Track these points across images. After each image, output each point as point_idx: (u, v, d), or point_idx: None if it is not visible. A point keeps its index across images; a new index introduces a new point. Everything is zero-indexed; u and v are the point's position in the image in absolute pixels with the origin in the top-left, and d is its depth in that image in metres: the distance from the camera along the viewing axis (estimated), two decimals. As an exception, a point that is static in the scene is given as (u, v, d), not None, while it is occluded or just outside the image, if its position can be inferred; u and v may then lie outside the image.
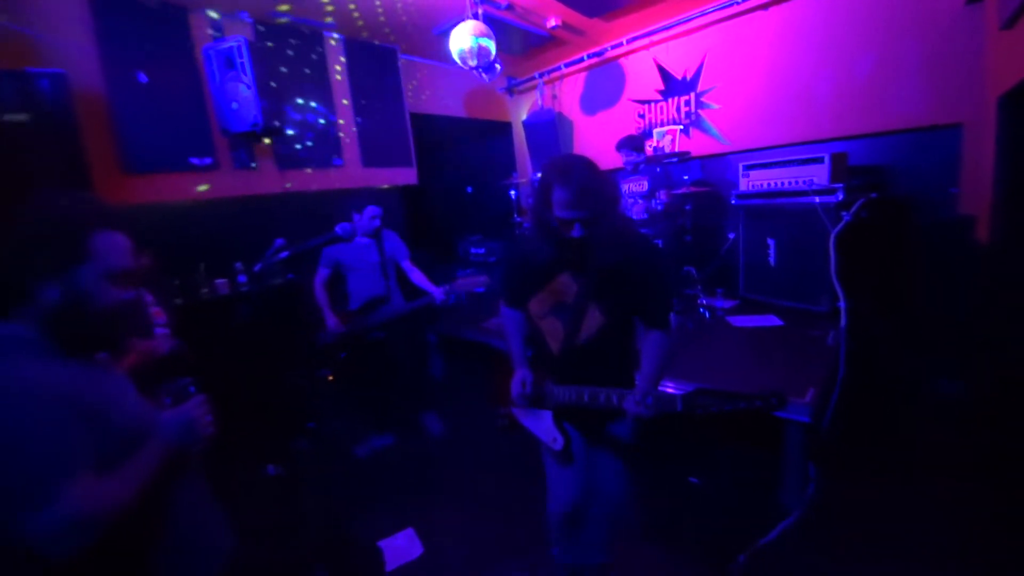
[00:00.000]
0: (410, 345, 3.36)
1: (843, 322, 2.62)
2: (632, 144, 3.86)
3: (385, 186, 4.42)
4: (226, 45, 3.02)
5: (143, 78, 3.02)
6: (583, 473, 1.65)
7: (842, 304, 2.66)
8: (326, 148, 3.99)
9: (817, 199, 3.06)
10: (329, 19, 3.73)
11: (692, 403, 1.30)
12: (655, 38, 4.45)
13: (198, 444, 1.09)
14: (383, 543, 2.32)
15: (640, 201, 3.81)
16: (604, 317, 1.47)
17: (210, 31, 3.32)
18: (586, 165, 1.36)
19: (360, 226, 3.05)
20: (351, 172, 4.18)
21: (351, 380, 3.20)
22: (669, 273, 2.30)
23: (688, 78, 4.44)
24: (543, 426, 1.60)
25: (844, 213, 2.90)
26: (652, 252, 1.55)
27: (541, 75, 5.32)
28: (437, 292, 2.99)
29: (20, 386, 0.84)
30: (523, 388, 1.55)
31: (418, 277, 3.21)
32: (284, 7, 3.45)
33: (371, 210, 3.05)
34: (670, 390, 2.38)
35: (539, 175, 1.44)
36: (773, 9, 3.81)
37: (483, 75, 3.73)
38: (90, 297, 0.93)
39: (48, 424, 0.84)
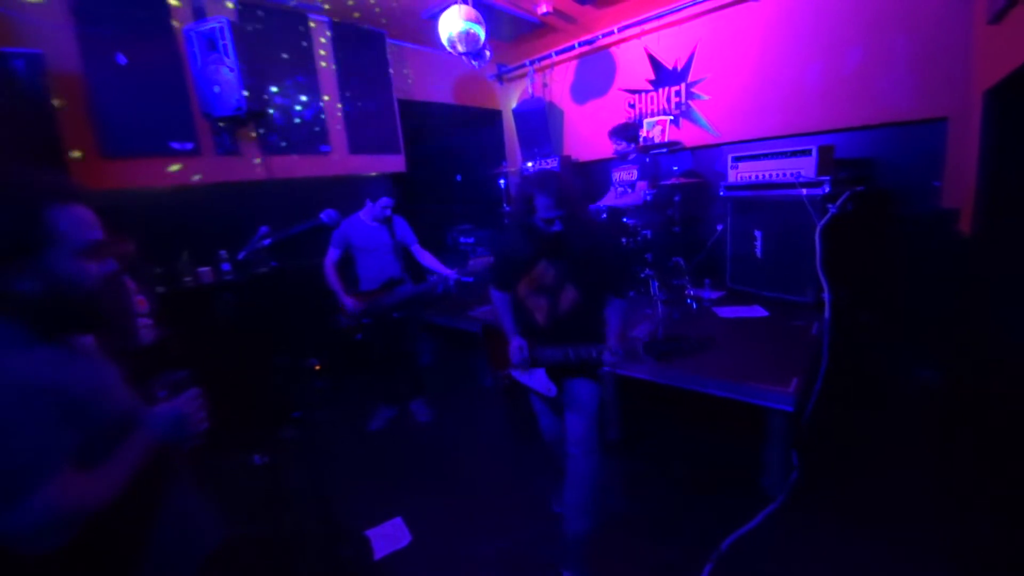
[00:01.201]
0: (414, 327, 3.40)
1: (827, 313, 2.65)
2: (625, 133, 3.84)
3: (373, 173, 4.36)
4: (208, 26, 2.94)
5: (122, 60, 2.92)
6: (564, 412, 2.03)
7: (827, 295, 2.69)
8: (312, 134, 3.92)
9: (804, 191, 3.08)
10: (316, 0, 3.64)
11: (650, 349, 1.74)
12: (646, 27, 4.42)
13: (190, 440, 1.07)
14: (371, 532, 2.33)
15: (629, 190, 3.80)
16: (577, 293, 1.85)
17: (191, 11, 3.22)
18: (559, 175, 1.77)
19: (372, 213, 3.15)
20: (338, 159, 4.12)
21: (361, 361, 3.26)
22: (625, 254, 2.83)
23: (679, 68, 4.42)
24: (539, 380, 1.97)
25: (830, 205, 2.92)
26: (612, 239, 2.16)
27: (531, 63, 5.26)
28: (451, 273, 3.08)
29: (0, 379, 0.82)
30: (521, 352, 1.92)
31: (429, 260, 3.27)
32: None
33: (385, 200, 3.12)
34: (656, 380, 2.41)
35: (519, 188, 1.85)
36: (764, 1, 3.80)
37: (472, 61, 3.68)
38: (69, 279, 0.89)
39: (28, 418, 0.81)
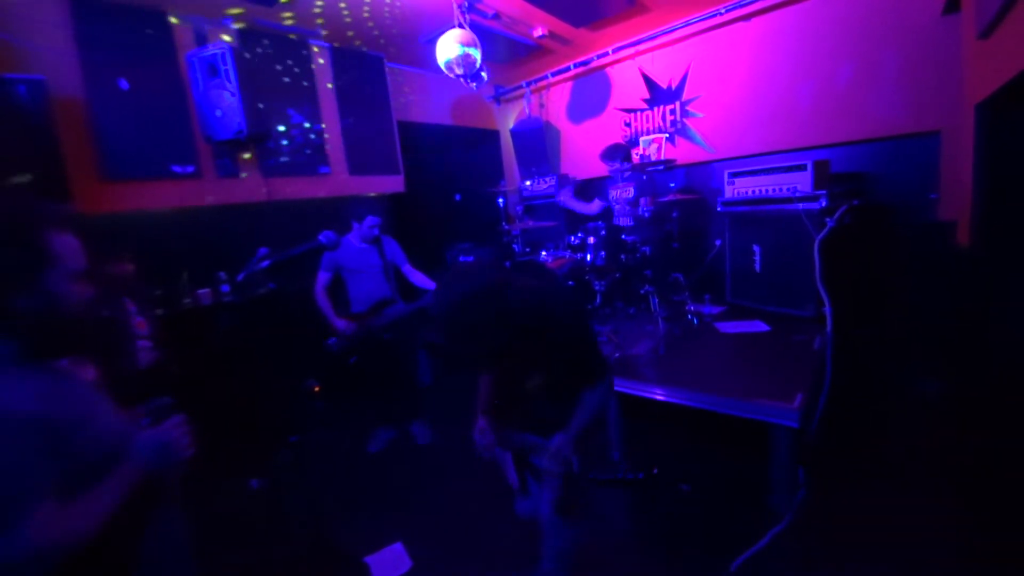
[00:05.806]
0: (409, 347, 3.36)
1: (829, 327, 2.64)
2: (614, 155, 3.87)
3: (372, 194, 4.39)
4: (210, 52, 2.99)
5: (124, 85, 2.97)
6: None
7: (827, 309, 2.68)
8: (312, 156, 3.95)
9: (801, 206, 3.10)
10: (316, 26, 3.71)
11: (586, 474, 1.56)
12: (640, 48, 4.50)
13: (175, 468, 1.05)
14: (370, 558, 2.27)
15: (627, 208, 3.82)
16: (543, 375, 1.61)
17: (194, 38, 3.28)
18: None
19: (360, 234, 3.12)
20: (337, 180, 4.15)
21: (358, 383, 3.20)
22: (589, 333, 1.88)
23: (673, 87, 4.49)
24: (508, 464, 1.79)
25: (828, 219, 2.93)
26: (572, 320, 1.62)
27: (528, 84, 5.34)
28: None
29: None
30: (482, 436, 1.70)
31: (420, 279, 3.24)
32: (273, 15, 3.42)
33: (370, 220, 3.09)
34: (659, 397, 2.38)
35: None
36: (755, 20, 3.88)
37: (470, 83, 3.73)
38: (62, 300, 0.92)
39: (11, 449, 0.80)
